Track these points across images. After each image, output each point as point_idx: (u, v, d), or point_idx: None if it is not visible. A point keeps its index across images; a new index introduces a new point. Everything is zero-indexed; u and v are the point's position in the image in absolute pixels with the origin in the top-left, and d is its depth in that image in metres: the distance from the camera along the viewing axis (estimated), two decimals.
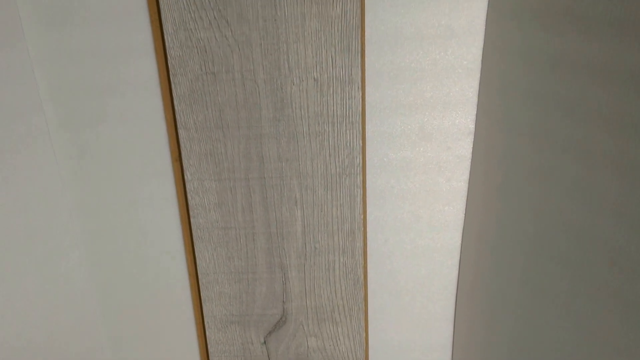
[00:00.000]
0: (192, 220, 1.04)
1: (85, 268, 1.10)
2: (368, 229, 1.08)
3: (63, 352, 1.11)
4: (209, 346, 1.16)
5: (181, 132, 0.98)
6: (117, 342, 1.17)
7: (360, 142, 0.99)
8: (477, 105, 0.99)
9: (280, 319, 1.13)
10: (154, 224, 1.07)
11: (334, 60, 0.93)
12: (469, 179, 1.05)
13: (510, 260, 0.94)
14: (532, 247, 0.87)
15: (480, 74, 0.97)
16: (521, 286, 0.91)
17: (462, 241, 1.10)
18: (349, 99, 0.96)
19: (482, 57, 0.95)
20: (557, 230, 0.79)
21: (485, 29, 0.93)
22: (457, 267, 1.12)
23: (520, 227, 0.90)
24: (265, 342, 1.15)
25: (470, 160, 1.04)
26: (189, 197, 1.03)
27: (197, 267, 1.09)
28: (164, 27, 0.91)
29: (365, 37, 0.94)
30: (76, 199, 1.06)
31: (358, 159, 1.00)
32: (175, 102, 0.96)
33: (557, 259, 0.80)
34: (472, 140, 1.02)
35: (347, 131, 0.98)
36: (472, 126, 1.01)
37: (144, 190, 1.04)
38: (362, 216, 1.04)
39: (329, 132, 0.98)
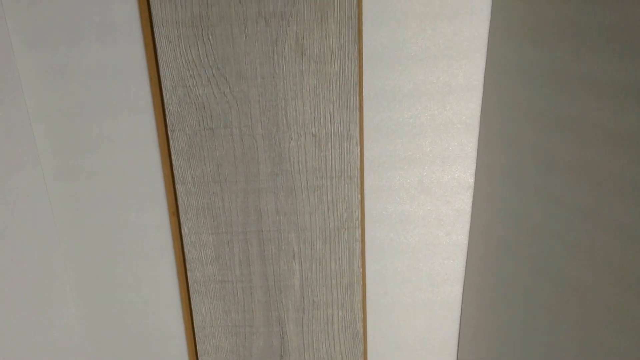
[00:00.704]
0: (188, 273, 1.03)
1: (80, 320, 1.09)
2: (367, 282, 1.07)
3: None
4: None
5: (179, 186, 0.98)
6: None
7: (359, 196, 0.98)
8: (477, 160, 0.99)
9: None
10: (150, 277, 1.06)
11: (332, 116, 0.93)
12: (469, 233, 1.04)
13: (512, 315, 0.92)
14: (533, 300, 0.85)
15: (480, 129, 0.96)
16: (524, 342, 0.89)
17: (462, 295, 1.08)
18: (347, 153, 0.95)
19: (481, 112, 0.95)
20: (557, 285, 0.78)
21: (484, 85, 0.93)
22: (458, 321, 1.10)
23: (521, 281, 0.88)
24: None
25: (470, 214, 1.03)
26: (186, 251, 1.02)
27: (194, 321, 1.07)
28: (163, 83, 0.91)
29: (364, 94, 0.94)
30: (72, 251, 1.05)
31: (357, 213, 0.99)
32: (173, 157, 0.96)
33: (559, 315, 0.78)
34: (472, 194, 1.01)
35: (346, 185, 0.97)
36: (471, 180, 1.00)
37: (141, 244, 1.03)
38: (361, 269, 1.03)
39: (327, 186, 0.98)
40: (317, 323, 1.07)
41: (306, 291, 1.05)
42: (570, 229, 0.75)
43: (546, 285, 0.82)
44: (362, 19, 0.88)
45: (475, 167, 0.99)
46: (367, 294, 1.08)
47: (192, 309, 1.06)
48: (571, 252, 0.76)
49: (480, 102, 0.95)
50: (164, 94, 0.92)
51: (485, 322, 1.02)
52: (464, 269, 1.06)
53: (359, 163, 0.96)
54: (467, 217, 1.03)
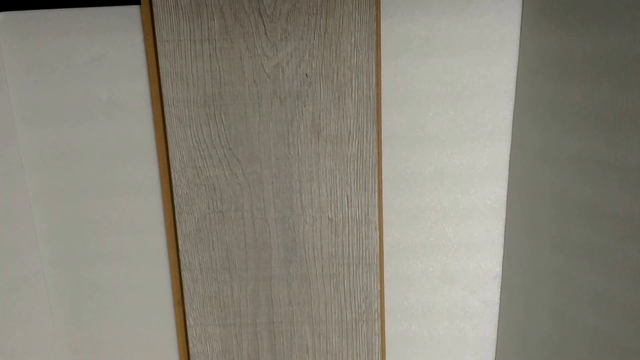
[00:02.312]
0: None
1: None
2: None
3: None
4: None
5: (185, 273, 0.91)
6: None
7: (378, 285, 0.91)
8: (504, 247, 0.92)
9: None
10: None
11: (349, 200, 0.88)
12: (498, 326, 0.95)
13: None
14: None
15: (506, 215, 0.90)
16: None
17: None
18: (365, 239, 0.89)
19: (507, 197, 0.90)
20: None
21: (509, 169, 0.88)
22: None
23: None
24: None
25: (498, 305, 0.95)
26: (191, 345, 0.94)
27: None
28: (172, 164, 0.87)
29: (383, 176, 0.89)
30: (69, 341, 0.97)
31: (376, 304, 0.92)
32: (180, 242, 0.90)
33: None
34: (500, 284, 0.94)
35: (364, 273, 0.91)
36: (498, 269, 0.93)
37: (142, 337, 0.96)
38: None
39: (344, 274, 0.91)
40: None
41: None
42: (613, 326, 0.68)
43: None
44: (380, 100, 0.84)
45: (502, 255, 0.93)
46: None
47: None
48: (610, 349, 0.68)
49: (506, 186, 0.89)
50: (172, 175, 0.87)
51: None
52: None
53: (378, 250, 0.90)
54: (495, 309, 0.95)
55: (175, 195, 0.88)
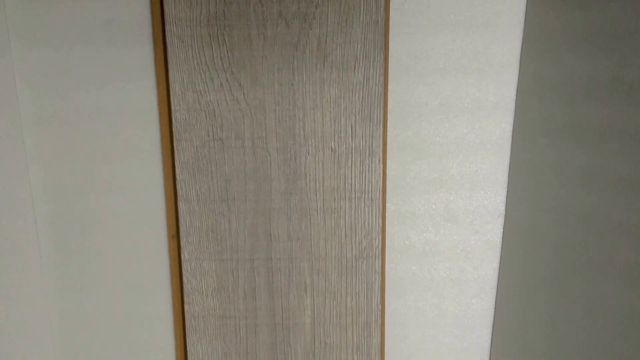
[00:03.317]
0: (186, 306, 0.91)
1: (59, 358, 0.96)
2: (386, 323, 0.95)
3: None
4: None
5: (181, 204, 0.88)
6: None
7: (380, 221, 0.89)
8: (508, 185, 0.91)
9: None
10: (141, 309, 0.94)
11: (353, 130, 0.86)
12: (500, 268, 0.94)
13: None
14: (572, 351, 0.74)
15: (511, 151, 0.89)
16: None
17: (491, 341, 0.96)
18: (368, 172, 0.87)
19: (513, 132, 0.88)
20: (603, 329, 0.68)
21: (516, 102, 0.87)
22: None
23: (559, 328, 0.77)
24: None
25: (500, 246, 0.93)
26: (185, 280, 0.91)
27: None
28: (171, 88, 0.84)
29: (388, 107, 0.87)
30: (56, 276, 0.93)
31: (377, 241, 0.89)
32: (177, 171, 0.87)
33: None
34: (503, 223, 0.92)
35: (366, 208, 0.88)
36: (502, 208, 0.92)
37: (134, 271, 0.92)
38: (380, 307, 0.92)
39: (345, 209, 0.88)
40: None
41: (318, 331, 0.93)
42: (619, 258, 0.66)
43: (592, 331, 0.71)
44: (389, 25, 0.82)
45: (506, 193, 0.91)
46: (386, 337, 0.96)
47: (187, 349, 0.93)
48: (626, 280, 0.67)
49: (512, 121, 0.88)
50: (171, 100, 0.84)
51: None
52: (494, 310, 0.95)
53: (381, 183, 0.88)
54: (497, 250, 0.93)
55: (174, 120, 0.85)
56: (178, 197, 0.88)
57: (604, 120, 0.68)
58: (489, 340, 0.96)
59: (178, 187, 0.87)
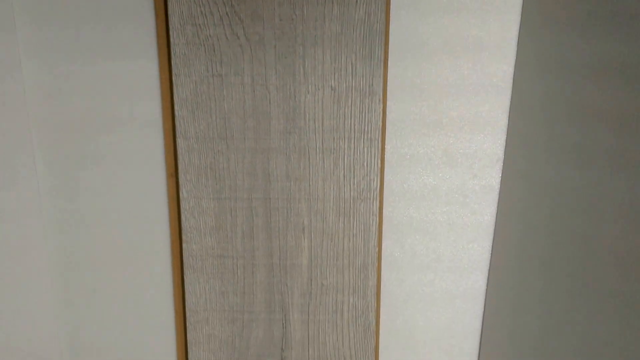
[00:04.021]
0: (184, 245, 0.92)
1: (57, 296, 0.96)
2: (382, 266, 0.96)
3: None
4: None
5: (180, 141, 0.88)
6: None
7: (379, 162, 0.89)
8: (508, 129, 0.90)
9: None
10: (139, 248, 0.94)
11: (354, 68, 0.85)
12: (497, 213, 0.94)
13: (540, 315, 0.81)
14: (568, 299, 0.74)
15: (512, 93, 0.88)
16: (555, 346, 0.77)
17: (487, 286, 0.97)
18: (368, 112, 0.87)
19: (514, 73, 0.87)
20: (607, 266, 0.68)
21: (518, 42, 0.86)
22: (481, 318, 0.98)
23: (555, 275, 0.78)
24: None
25: (498, 191, 0.93)
26: (183, 219, 0.91)
27: (185, 303, 0.94)
28: (170, 21, 0.83)
29: (389, 46, 0.86)
30: (55, 212, 0.93)
31: (375, 182, 0.89)
32: (176, 107, 0.86)
33: (598, 312, 0.68)
34: (501, 168, 0.92)
35: (365, 149, 0.88)
36: (501, 152, 0.92)
37: (131, 209, 0.92)
38: (376, 249, 0.92)
39: (344, 149, 0.88)
40: (325, 311, 0.95)
41: (314, 272, 0.93)
42: (616, 197, 0.66)
43: (588, 272, 0.72)
44: None
45: (505, 137, 0.91)
46: (382, 281, 0.96)
47: (185, 288, 0.94)
48: (622, 225, 0.67)
49: (513, 62, 0.87)
50: (170, 33, 0.83)
51: (511, 320, 0.91)
52: (490, 255, 0.96)
53: (380, 124, 0.87)
54: (495, 195, 0.93)
55: (172, 55, 0.84)
56: (177, 134, 0.88)
57: (609, 53, 0.68)
58: (485, 285, 0.97)
59: (177, 123, 0.87)
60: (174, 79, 0.85)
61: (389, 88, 0.89)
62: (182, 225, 0.91)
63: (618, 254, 0.65)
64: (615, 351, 0.64)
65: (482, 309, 0.98)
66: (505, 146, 0.91)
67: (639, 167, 0.61)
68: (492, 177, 0.93)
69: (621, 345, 0.63)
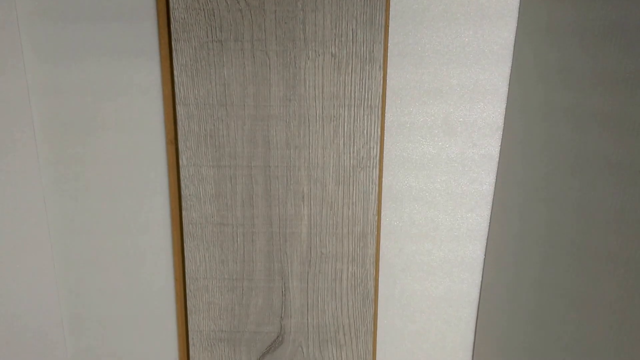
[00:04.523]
0: (184, 212, 0.92)
1: (57, 262, 0.96)
2: (381, 235, 0.96)
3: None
4: None
5: (179, 108, 0.87)
6: (83, 356, 1.01)
7: (379, 130, 0.89)
8: (508, 97, 0.90)
9: (277, 338, 0.98)
10: (139, 216, 0.94)
11: (354, 34, 0.84)
12: (496, 182, 0.94)
13: (545, 278, 0.82)
14: (577, 258, 0.75)
15: (512, 61, 0.88)
16: (555, 320, 0.78)
17: (485, 255, 0.98)
18: (368, 79, 0.86)
19: (515, 40, 0.87)
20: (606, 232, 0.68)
21: (519, 10, 0.86)
22: (479, 286, 0.99)
23: (561, 237, 0.78)
24: None
25: (497, 161, 0.93)
26: (183, 186, 0.91)
27: (185, 271, 0.95)
28: None
29: (390, 12, 0.86)
30: (54, 177, 0.93)
31: (375, 150, 0.90)
32: (176, 73, 0.86)
33: (596, 286, 0.68)
34: (501, 137, 0.92)
35: (365, 116, 0.88)
36: (500, 121, 0.92)
37: (131, 176, 0.92)
38: (376, 217, 0.92)
39: (344, 116, 0.88)
40: (324, 279, 0.95)
41: (314, 240, 0.93)
42: (614, 158, 0.66)
43: (586, 239, 0.72)
44: None
45: (505, 106, 0.91)
46: (381, 249, 0.97)
47: (185, 255, 0.94)
48: (615, 185, 0.67)
49: (514, 29, 0.87)
50: None
51: (509, 289, 0.92)
52: (488, 224, 0.96)
53: (381, 91, 0.87)
54: (494, 164, 0.94)
55: (172, 19, 0.84)
56: (176, 100, 0.87)
57: (610, 18, 0.68)
58: (482, 255, 0.98)
59: (176, 90, 0.87)
60: (173, 44, 0.84)
61: (389, 55, 0.88)
62: (182, 193, 0.91)
63: (617, 215, 0.65)
64: (615, 315, 0.65)
65: (480, 278, 0.99)
66: (505, 115, 0.91)
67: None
68: (492, 146, 0.93)
69: (623, 306, 0.64)
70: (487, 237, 0.97)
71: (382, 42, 0.85)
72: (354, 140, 0.89)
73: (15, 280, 0.91)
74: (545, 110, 0.81)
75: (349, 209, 0.92)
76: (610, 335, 0.66)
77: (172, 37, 0.84)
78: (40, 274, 0.95)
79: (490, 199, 0.95)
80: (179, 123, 0.88)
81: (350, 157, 0.90)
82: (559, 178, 0.78)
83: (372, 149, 0.90)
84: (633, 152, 0.62)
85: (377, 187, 0.91)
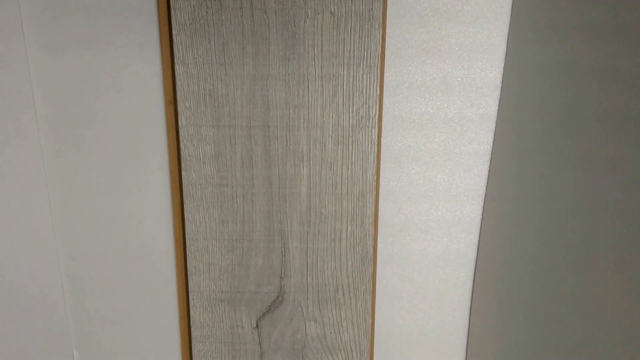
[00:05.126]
0: (183, 173, 0.92)
1: (57, 225, 0.96)
2: (380, 195, 0.97)
3: (26, 325, 0.96)
4: (192, 329, 1.01)
5: (178, 67, 0.87)
6: (84, 319, 1.02)
7: (378, 89, 0.89)
8: (506, 57, 0.91)
9: (277, 298, 0.99)
10: (138, 177, 0.94)
11: None
12: (494, 141, 0.95)
13: (543, 237, 0.83)
14: (574, 213, 0.76)
15: (510, 19, 0.88)
16: (555, 278, 0.80)
17: (483, 214, 0.99)
18: (367, 38, 0.86)
19: (513, 0, 0.88)
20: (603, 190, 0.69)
21: None
22: (476, 245, 1.01)
23: (559, 194, 0.79)
24: (257, 325, 1.01)
25: (495, 120, 0.94)
26: (182, 146, 0.91)
27: (185, 232, 0.95)
28: None
29: None
30: (52, 138, 0.93)
31: (374, 110, 0.90)
32: (174, 32, 0.85)
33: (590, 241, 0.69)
34: (499, 96, 0.93)
35: (364, 75, 0.88)
36: (498, 81, 0.92)
37: (130, 138, 0.92)
38: (375, 177, 0.93)
39: (343, 75, 0.88)
40: (323, 239, 0.96)
41: (313, 201, 0.94)
42: (613, 108, 0.67)
43: (584, 209, 0.73)
44: None
45: (503, 65, 0.91)
46: (379, 209, 0.98)
47: (185, 217, 0.94)
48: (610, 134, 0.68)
49: None
50: None
51: (506, 248, 0.93)
52: (486, 184, 0.97)
53: (380, 50, 0.87)
54: (491, 123, 0.94)
55: None
56: (175, 59, 0.87)
57: None
58: (480, 214, 0.99)
59: (175, 49, 0.86)
60: (171, 3, 0.84)
61: (388, 14, 0.88)
62: (181, 154, 0.91)
63: (615, 163, 0.66)
64: (617, 266, 0.66)
65: (478, 237, 1.00)
66: (503, 74, 0.92)
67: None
68: (489, 105, 0.93)
69: (623, 254, 0.65)
70: (485, 196, 0.98)
71: (382, 0, 0.85)
72: (353, 99, 0.89)
73: (15, 244, 0.92)
74: (541, 67, 0.82)
75: (348, 169, 0.93)
76: (611, 284, 0.67)
77: None
78: (39, 237, 0.95)
79: (487, 158, 0.96)
80: (178, 83, 0.88)
81: (349, 116, 0.90)
82: (556, 135, 0.78)
83: (371, 109, 0.90)
84: (627, 103, 0.63)
85: (376, 147, 0.92)
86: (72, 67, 0.89)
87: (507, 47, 0.90)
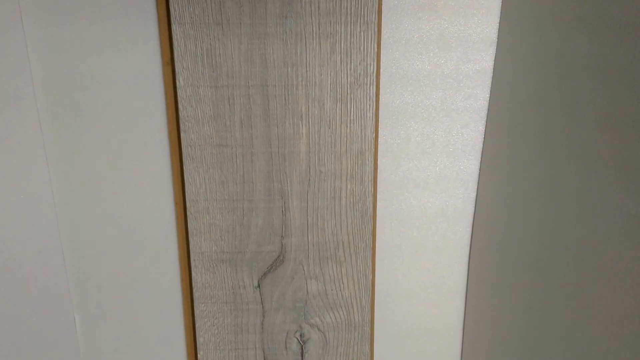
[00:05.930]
0: (182, 134, 0.92)
1: (55, 189, 0.96)
2: (378, 153, 0.98)
3: (26, 293, 0.97)
4: (194, 290, 1.02)
5: (175, 27, 0.87)
6: (85, 283, 1.02)
7: (376, 46, 0.89)
8: (501, 12, 0.91)
9: (278, 257, 1.01)
10: (137, 140, 0.94)
11: None
12: (490, 96, 0.96)
13: (539, 192, 0.84)
14: (573, 167, 0.77)
15: None
16: (555, 232, 0.81)
17: (480, 170, 1.00)
18: None
19: None
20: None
21: None
22: (474, 200, 1.02)
23: (556, 147, 0.80)
24: (259, 285, 1.02)
25: (491, 75, 0.95)
26: (180, 107, 0.91)
27: (185, 193, 0.96)
28: None
29: None
30: (50, 102, 0.92)
31: (372, 67, 0.90)
32: None
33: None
34: (495, 51, 0.93)
35: (362, 33, 0.88)
36: (494, 36, 0.92)
37: (127, 99, 0.92)
38: (373, 135, 0.94)
39: (341, 33, 0.88)
40: (323, 198, 0.97)
41: (313, 159, 0.95)
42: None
43: (581, 172, 0.74)
44: None
45: (499, 20, 0.92)
46: (378, 167, 0.99)
47: (185, 178, 0.95)
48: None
49: None
50: None
51: (503, 202, 0.94)
52: (482, 139, 0.98)
53: (376, 6, 0.87)
54: (488, 79, 0.95)
55: None
56: (172, 19, 0.86)
57: None
58: (477, 169, 1.00)
59: (171, 8, 0.86)
60: None
61: None
62: (180, 115, 0.91)
63: (607, 113, 0.67)
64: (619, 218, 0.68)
65: (475, 193, 1.02)
66: (499, 29, 0.92)
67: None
68: (486, 61, 0.94)
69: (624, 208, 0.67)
70: (482, 152, 0.99)
71: None
72: (350, 57, 0.90)
73: (15, 206, 0.92)
74: (535, 21, 0.82)
75: (346, 127, 0.93)
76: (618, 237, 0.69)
77: None
78: (37, 197, 0.95)
79: (484, 114, 0.97)
80: (175, 43, 0.87)
81: (347, 74, 0.90)
82: (550, 88, 0.79)
83: (369, 66, 0.90)
84: (616, 51, 0.64)
85: (374, 105, 0.92)
86: (67, 29, 0.88)
87: (502, 2, 0.90)
